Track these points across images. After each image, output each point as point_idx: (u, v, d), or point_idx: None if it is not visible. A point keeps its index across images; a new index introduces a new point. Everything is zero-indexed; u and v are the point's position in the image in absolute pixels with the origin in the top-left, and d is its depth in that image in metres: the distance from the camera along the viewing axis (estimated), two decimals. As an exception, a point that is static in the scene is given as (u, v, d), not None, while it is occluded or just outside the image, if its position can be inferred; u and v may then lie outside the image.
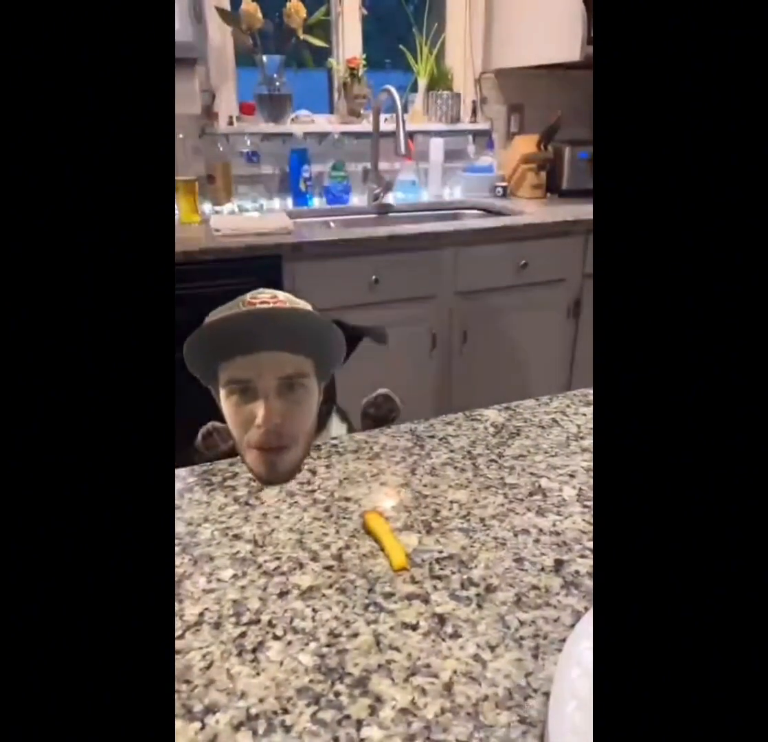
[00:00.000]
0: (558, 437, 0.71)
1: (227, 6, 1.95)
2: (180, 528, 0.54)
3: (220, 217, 1.85)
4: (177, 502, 0.58)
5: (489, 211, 2.23)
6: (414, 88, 2.37)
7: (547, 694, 0.39)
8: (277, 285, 1.65)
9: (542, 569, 0.50)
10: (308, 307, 0.59)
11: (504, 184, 2.34)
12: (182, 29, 1.59)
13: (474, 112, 2.43)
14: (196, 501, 0.58)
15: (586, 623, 0.40)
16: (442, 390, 1.96)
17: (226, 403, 0.56)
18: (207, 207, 1.99)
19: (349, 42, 2.20)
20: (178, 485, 0.61)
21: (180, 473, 0.63)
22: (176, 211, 1.88)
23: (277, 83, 2.04)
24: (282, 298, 0.57)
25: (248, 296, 0.57)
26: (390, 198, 2.26)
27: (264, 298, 0.56)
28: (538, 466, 0.65)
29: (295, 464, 0.56)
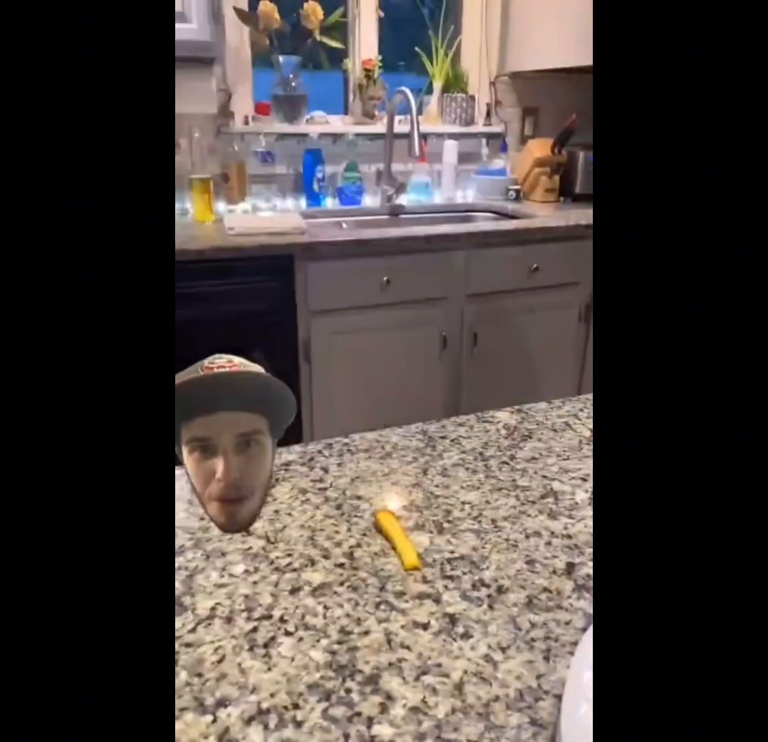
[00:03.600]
0: (570, 440, 0.71)
1: (245, 6, 1.96)
2: (192, 523, 0.55)
3: (234, 216, 1.86)
4: (190, 497, 0.58)
5: (501, 214, 2.22)
6: (429, 91, 2.37)
7: (558, 696, 0.39)
8: (290, 285, 1.65)
9: (554, 572, 0.50)
10: (261, 370, 0.65)
11: (517, 187, 2.34)
12: (200, 29, 1.60)
13: (488, 114, 2.43)
14: (209, 497, 0.58)
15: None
16: (451, 392, 1.96)
17: (188, 459, 0.60)
18: (221, 206, 2.00)
19: (365, 43, 2.21)
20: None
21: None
22: (190, 210, 1.89)
23: (293, 84, 2.05)
24: (237, 363, 0.63)
25: (206, 362, 0.63)
26: (403, 199, 2.27)
27: (221, 363, 0.62)
28: (550, 469, 0.65)
29: (253, 513, 0.60)
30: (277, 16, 1.94)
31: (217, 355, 0.64)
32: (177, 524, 0.55)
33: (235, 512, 0.58)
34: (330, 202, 2.21)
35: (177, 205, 1.98)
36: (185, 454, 0.60)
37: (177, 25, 1.56)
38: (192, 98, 1.87)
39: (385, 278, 1.72)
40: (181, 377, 0.62)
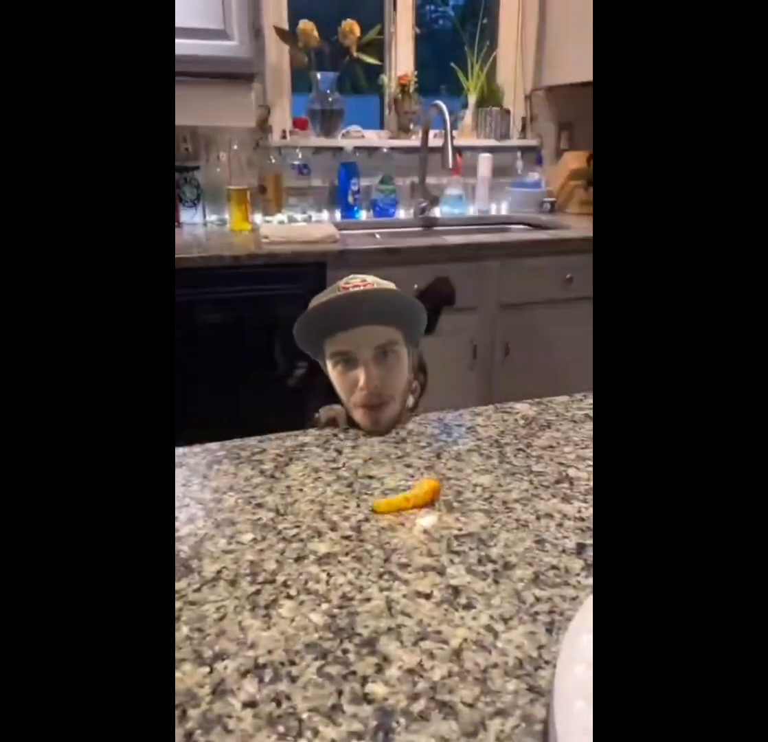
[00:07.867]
0: (589, 431, 0.69)
1: (285, 25, 2.03)
2: (205, 495, 0.56)
3: (269, 226, 1.90)
4: (205, 472, 0.60)
5: (535, 226, 2.22)
6: (464, 105, 2.40)
7: (558, 666, 0.38)
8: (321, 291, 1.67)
9: (563, 551, 0.49)
10: (393, 286, 0.73)
11: (551, 199, 2.33)
12: (241, 46, 1.66)
13: (523, 128, 2.44)
14: (224, 472, 0.59)
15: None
16: (482, 402, 1.94)
17: (333, 372, 0.69)
18: (258, 218, 2.05)
19: (401, 60, 2.25)
20: (208, 457, 0.62)
21: (211, 446, 0.65)
22: (228, 219, 1.95)
23: (330, 99, 2.10)
24: (370, 282, 0.71)
25: (342, 283, 0.71)
26: (436, 212, 2.29)
27: (356, 283, 0.70)
28: (567, 456, 0.64)
29: (394, 416, 0.69)
30: (315, 34, 2.00)
31: (351, 276, 0.72)
32: (191, 496, 0.56)
33: (379, 416, 0.68)
34: (364, 215, 2.24)
35: (215, 216, 2.04)
36: (330, 367, 0.70)
37: (219, 43, 1.63)
38: (232, 112, 1.94)
39: (415, 286, 1.73)
40: (321, 298, 0.71)
